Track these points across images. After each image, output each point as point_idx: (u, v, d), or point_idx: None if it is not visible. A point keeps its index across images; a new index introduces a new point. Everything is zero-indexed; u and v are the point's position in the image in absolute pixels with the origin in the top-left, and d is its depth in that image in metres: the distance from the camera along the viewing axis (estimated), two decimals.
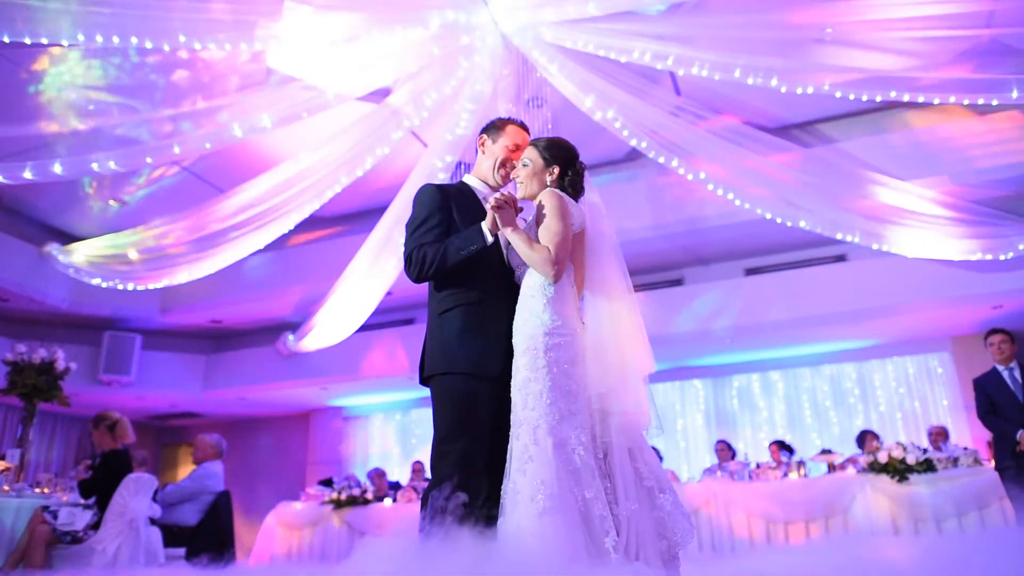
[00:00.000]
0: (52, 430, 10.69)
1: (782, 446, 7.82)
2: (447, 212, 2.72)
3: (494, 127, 2.90)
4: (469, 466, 2.44)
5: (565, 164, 2.70)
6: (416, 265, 2.64)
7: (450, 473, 2.42)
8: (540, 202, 2.60)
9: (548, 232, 2.50)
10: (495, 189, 2.86)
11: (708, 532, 6.51)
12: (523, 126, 2.92)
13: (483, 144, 2.91)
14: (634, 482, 2.33)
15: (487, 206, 2.53)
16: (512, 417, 2.44)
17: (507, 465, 2.40)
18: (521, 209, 2.63)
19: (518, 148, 2.83)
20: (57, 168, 5.14)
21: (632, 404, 2.42)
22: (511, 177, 2.83)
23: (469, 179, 2.91)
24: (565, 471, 2.26)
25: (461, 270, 2.63)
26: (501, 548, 2.19)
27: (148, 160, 5.31)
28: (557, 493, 2.21)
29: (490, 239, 2.55)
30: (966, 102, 5.22)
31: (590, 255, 2.62)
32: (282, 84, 5.54)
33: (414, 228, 2.72)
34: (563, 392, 2.39)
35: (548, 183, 2.69)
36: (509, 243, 2.62)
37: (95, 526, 4.82)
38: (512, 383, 2.48)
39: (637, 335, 2.55)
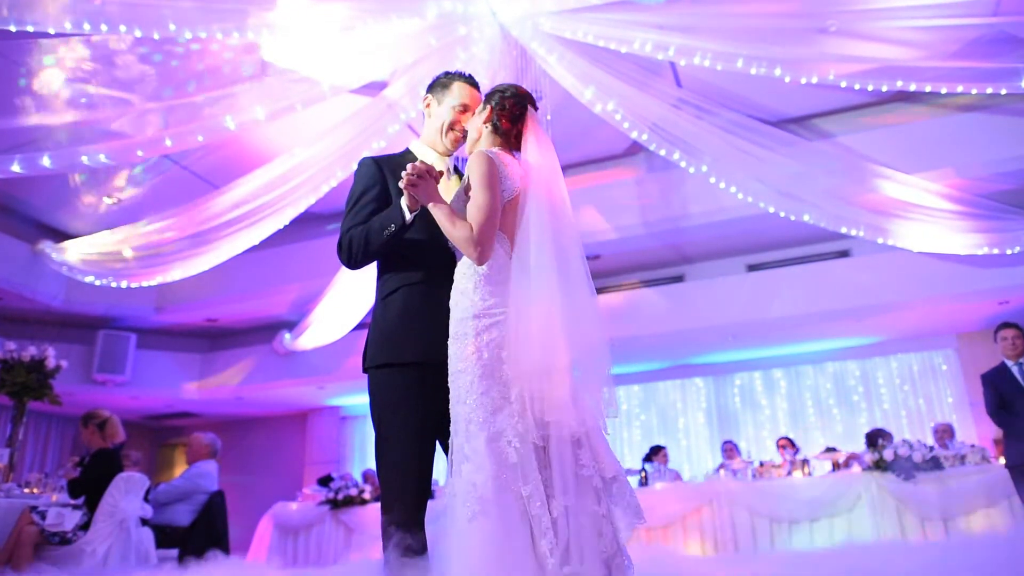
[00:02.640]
0: (47, 430, 10.58)
1: (790, 443, 7.72)
2: (382, 186, 2.45)
3: (439, 84, 2.58)
4: (418, 469, 2.27)
5: (496, 103, 2.37)
6: (345, 251, 2.41)
7: (396, 478, 2.27)
8: (469, 166, 2.28)
9: (473, 205, 2.19)
10: (445, 155, 2.58)
11: (711, 531, 6.40)
12: (472, 81, 2.58)
13: (428, 105, 2.59)
14: (573, 473, 2.05)
15: (400, 184, 2.24)
16: (450, 412, 2.21)
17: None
18: (441, 174, 2.30)
19: (466, 109, 2.51)
20: (45, 161, 5.03)
21: (556, 406, 2.07)
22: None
23: (416, 145, 2.61)
24: (501, 468, 2.02)
25: (403, 249, 2.39)
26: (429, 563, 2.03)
27: (139, 153, 5.19)
28: (491, 495, 1.98)
29: (409, 217, 2.28)
30: (974, 91, 5.12)
31: (520, 222, 2.25)
32: (276, 76, 5.43)
33: (348, 208, 2.47)
34: (496, 380, 2.11)
35: (481, 129, 2.40)
36: None
37: (84, 527, 4.71)
38: (449, 374, 2.24)
39: (561, 323, 2.14)
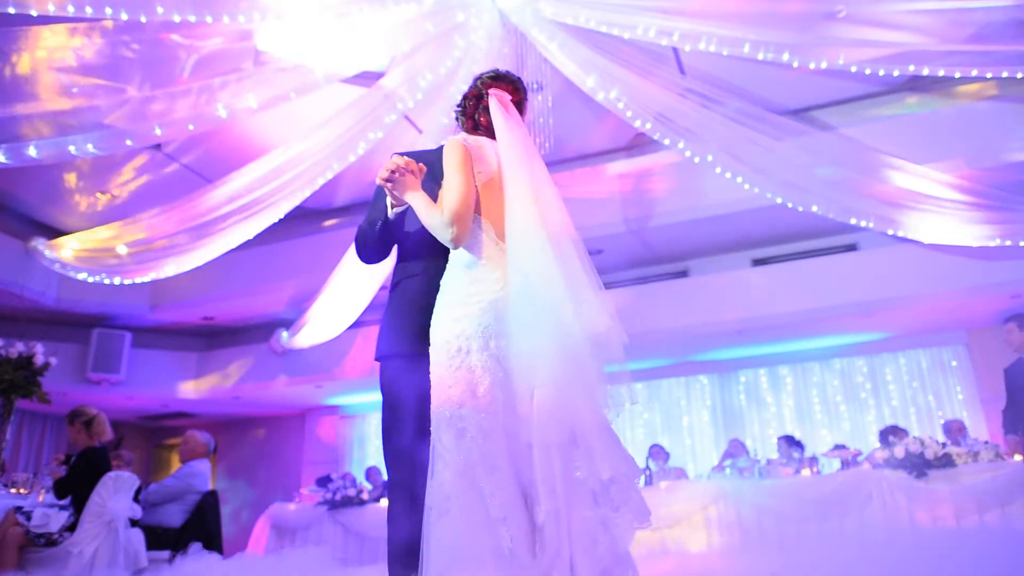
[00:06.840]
0: (41, 431, 10.44)
1: (791, 442, 7.55)
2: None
3: None
4: (409, 461, 2.25)
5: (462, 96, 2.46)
6: (355, 246, 2.54)
7: (394, 472, 2.30)
8: (443, 154, 2.28)
9: (444, 188, 2.17)
10: None
11: (716, 531, 6.25)
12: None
13: None
14: (560, 475, 1.90)
15: (377, 180, 2.29)
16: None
17: None
18: (424, 169, 2.31)
19: None
20: (32, 151, 4.89)
21: (538, 405, 1.95)
22: None
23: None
24: (468, 464, 1.93)
25: (405, 243, 2.45)
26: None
27: (128, 143, 5.05)
28: (455, 493, 1.90)
29: (390, 212, 2.37)
30: (989, 75, 4.97)
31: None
32: (269, 63, 5.28)
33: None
34: (465, 371, 2.01)
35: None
36: None
37: (71, 527, 4.56)
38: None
39: (540, 312, 2.00)
